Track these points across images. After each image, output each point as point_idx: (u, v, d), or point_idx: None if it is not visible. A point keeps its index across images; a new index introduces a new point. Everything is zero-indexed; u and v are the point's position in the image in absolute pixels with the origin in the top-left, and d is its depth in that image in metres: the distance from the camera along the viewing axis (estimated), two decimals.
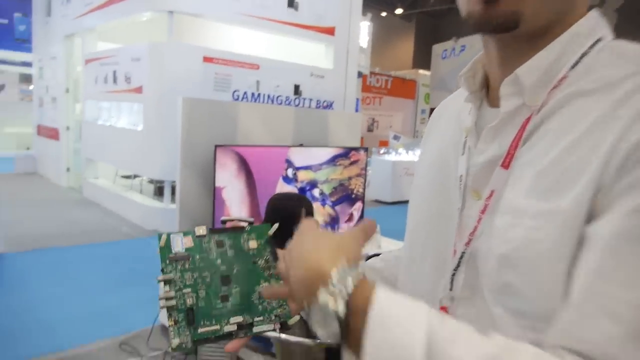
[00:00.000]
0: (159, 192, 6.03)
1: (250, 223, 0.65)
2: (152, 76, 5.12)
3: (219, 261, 0.62)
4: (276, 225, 0.65)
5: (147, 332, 2.72)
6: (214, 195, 2.58)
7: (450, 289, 0.54)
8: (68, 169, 7.66)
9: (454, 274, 0.54)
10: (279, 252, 0.61)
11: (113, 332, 2.77)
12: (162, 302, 0.57)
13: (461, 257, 0.53)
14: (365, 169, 3.37)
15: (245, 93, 5.44)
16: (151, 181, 6.36)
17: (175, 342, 0.54)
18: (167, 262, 0.60)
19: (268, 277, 0.62)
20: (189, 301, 0.58)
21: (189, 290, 0.58)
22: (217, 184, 2.59)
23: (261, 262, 0.63)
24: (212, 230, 0.64)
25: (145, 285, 3.31)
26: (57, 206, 6.32)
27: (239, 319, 0.57)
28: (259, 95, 5.53)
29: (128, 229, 5.23)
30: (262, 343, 1.67)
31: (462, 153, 0.58)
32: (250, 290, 0.60)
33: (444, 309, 0.55)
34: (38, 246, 4.43)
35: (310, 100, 6.04)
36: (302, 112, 3.34)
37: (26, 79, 11.03)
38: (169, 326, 0.56)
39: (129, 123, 5.78)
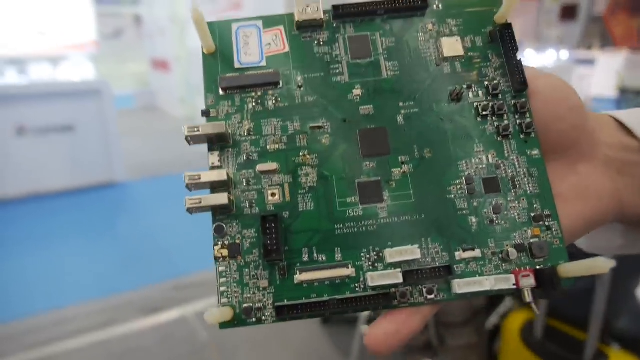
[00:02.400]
0: None
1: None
2: None
3: (355, 91, 0.23)
4: None
5: None
6: None
7: None
8: (182, 100, 7.80)
9: None
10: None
11: None
12: (206, 201, 0.22)
13: None
14: None
15: None
16: None
17: (221, 314, 0.21)
18: (221, 92, 0.23)
19: (497, 138, 0.23)
20: (272, 197, 0.22)
21: (273, 166, 0.22)
22: None
23: (476, 97, 0.23)
24: (342, 11, 0.24)
25: None
26: (172, 136, 6.46)
27: (410, 253, 0.21)
28: None
29: None
30: None
31: None
32: (448, 173, 0.22)
33: None
34: (155, 174, 4.49)
35: None
36: None
37: (140, 21, 11.36)
38: (217, 263, 0.23)
39: None
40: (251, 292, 0.22)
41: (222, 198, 0.22)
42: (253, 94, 0.23)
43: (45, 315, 2.16)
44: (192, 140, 0.23)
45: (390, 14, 0.24)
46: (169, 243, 2.92)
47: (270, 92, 0.23)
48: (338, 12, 0.24)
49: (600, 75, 9.19)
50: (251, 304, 0.22)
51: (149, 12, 8.92)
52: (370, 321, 1.63)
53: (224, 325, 0.22)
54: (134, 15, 11.66)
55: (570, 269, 0.20)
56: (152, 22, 8.67)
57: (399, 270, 0.21)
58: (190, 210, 0.23)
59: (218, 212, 0.23)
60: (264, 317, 0.22)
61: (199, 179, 0.22)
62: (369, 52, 0.24)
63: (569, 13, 11.82)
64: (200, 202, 0.22)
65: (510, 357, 1.27)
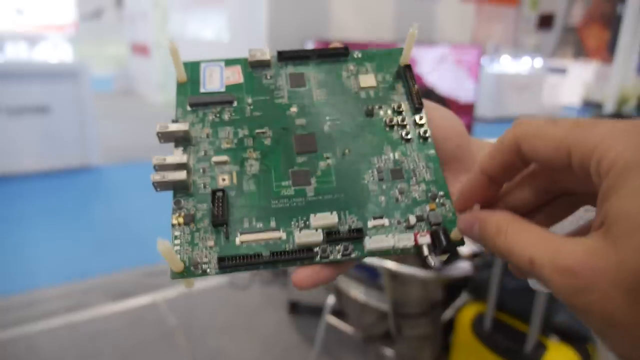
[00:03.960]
0: None
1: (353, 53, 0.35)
2: None
3: (292, 109, 0.31)
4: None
5: None
6: None
7: None
8: (161, 86, 7.72)
9: None
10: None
11: None
12: (168, 176, 0.28)
13: None
14: (477, 71, 2.82)
15: None
16: None
17: (178, 264, 0.26)
18: (188, 107, 0.31)
19: (401, 142, 0.31)
20: (222, 181, 0.29)
21: (224, 158, 0.29)
22: None
23: (386, 114, 0.32)
24: (284, 55, 0.33)
25: None
26: (150, 122, 6.38)
27: (330, 219, 0.27)
28: None
29: None
30: (368, 272, 1.36)
31: None
32: (362, 165, 0.30)
33: None
34: (131, 159, 4.47)
35: None
36: (404, 2, 2.81)
37: (121, 2, 11.16)
38: (173, 228, 0.28)
39: (215, 35, 5.54)
40: (199, 250, 0.27)
41: (181, 175, 0.28)
42: (213, 109, 0.31)
43: (15, 296, 2.16)
44: (162, 137, 0.29)
45: (321, 59, 0.33)
46: (142, 229, 2.94)
47: (227, 109, 0.30)
48: (281, 56, 0.33)
49: (570, 85, 9.49)
50: (198, 260, 0.26)
51: None
52: (334, 312, 1.71)
53: (174, 275, 0.26)
54: None
55: (458, 234, 0.26)
56: (133, 4, 8.53)
57: (321, 231, 0.27)
58: (155, 185, 0.28)
59: (178, 190, 0.28)
60: (208, 269, 0.26)
61: (165, 160, 0.29)
62: (304, 83, 0.32)
63: (545, 22, 12.11)
64: (164, 178, 0.28)
65: (462, 347, 1.36)
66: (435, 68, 2.63)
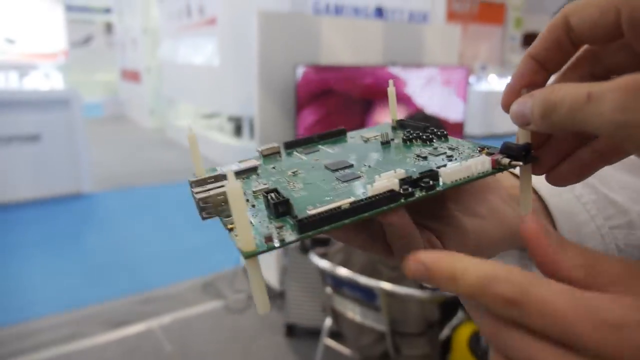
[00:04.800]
0: (237, 131, 5.89)
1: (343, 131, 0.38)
2: (225, 3, 4.84)
3: (314, 159, 0.33)
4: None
5: (230, 274, 2.55)
6: (296, 122, 2.26)
7: None
8: (152, 111, 7.75)
9: None
10: None
11: (196, 272, 2.65)
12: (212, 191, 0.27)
13: None
14: (465, 90, 2.88)
15: (327, 6, 4.96)
16: (230, 119, 6.23)
17: (249, 241, 0.22)
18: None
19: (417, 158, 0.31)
20: (278, 195, 0.26)
21: (264, 183, 0.30)
22: (299, 110, 2.25)
23: (398, 140, 0.34)
24: (289, 143, 0.36)
25: None
26: (141, 147, 6.41)
27: (398, 173, 0.26)
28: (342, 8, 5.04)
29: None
30: (364, 294, 1.37)
31: None
32: (401, 160, 0.31)
33: None
34: (124, 186, 4.46)
35: (402, 13, 5.43)
36: (391, 26, 2.87)
37: (111, 29, 11.25)
38: (232, 229, 0.25)
39: (205, 59, 5.61)
40: (269, 228, 0.24)
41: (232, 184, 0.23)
42: (244, 175, 0.32)
43: (9, 328, 2.14)
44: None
45: (322, 139, 0.37)
46: (135, 256, 2.92)
47: (253, 175, 0.32)
48: (287, 144, 0.36)
49: None
50: (270, 233, 0.23)
51: (119, 21, 8.85)
52: (332, 334, 1.71)
53: (248, 254, 0.22)
54: (105, 23, 11.53)
55: (523, 136, 0.26)
56: (123, 31, 8.61)
57: (395, 179, 0.25)
58: (201, 205, 0.28)
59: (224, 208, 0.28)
60: (286, 237, 0.23)
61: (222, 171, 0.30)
62: (317, 149, 0.35)
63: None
64: (209, 193, 0.27)
65: None
66: (424, 89, 2.68)
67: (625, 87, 0.17)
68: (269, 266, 2.40)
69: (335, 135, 0.37)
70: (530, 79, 0.25)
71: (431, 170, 0.26)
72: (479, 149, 0.31)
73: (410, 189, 0.25)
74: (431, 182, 0.25)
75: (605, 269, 0.20)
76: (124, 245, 3.10)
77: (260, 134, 2.31)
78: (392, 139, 0.35)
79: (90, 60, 11.27)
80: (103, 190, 4.27)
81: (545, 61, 0.24)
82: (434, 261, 0.19)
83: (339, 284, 1.46)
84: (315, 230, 0.23)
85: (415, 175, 0.26)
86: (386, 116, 2.59)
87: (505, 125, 7.74)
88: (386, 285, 1.29)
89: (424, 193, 0.25)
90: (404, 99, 2.63)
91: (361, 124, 2.52)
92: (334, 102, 2.38)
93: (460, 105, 2.89)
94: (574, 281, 0.19)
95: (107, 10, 10.58)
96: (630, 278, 0.19)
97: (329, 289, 1.52)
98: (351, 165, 0.30)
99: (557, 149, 0.27)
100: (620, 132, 0.18)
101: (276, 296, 2.32)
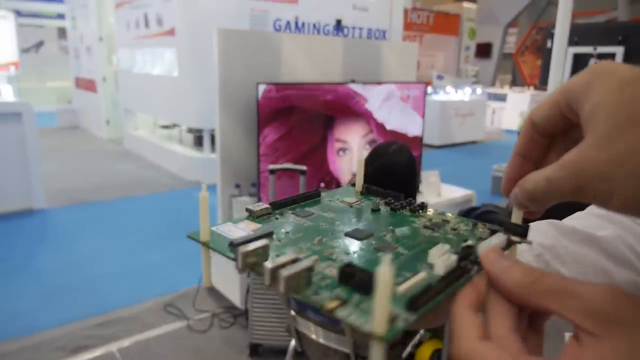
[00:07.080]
0: (198, 142, 5.81)
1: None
2: (184, 16, 4.77)
3: (322, 225, 0.36)
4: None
5: (192, 292, 2.52)
6: (258, 139, 2.26)
7: None
8: (108, 121, 7.55)
9: None
10: None
11: (157, 291, 2.59)
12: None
13: None
14: (424, 106, 2.96)
15: (287, 23, 4.96)
16: (190, 130, 6.14)
17: (383, 325, 0.23)
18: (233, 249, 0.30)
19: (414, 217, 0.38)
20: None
21: (307, 250, 0.32)
22: (261, 127, 2.26)
23: (385, 209, 0.39)
24: (275, 204, 0.39)
25: (187, 239, 3.12)
26: (98, 159, 6.23)
27: (446, 247, 0.30)
28: (302, 25, 5.05)
29: (168, 180, 5.06)
30: (328, 317, 1.38)
31: None
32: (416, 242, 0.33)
33: None
34: (79, 200, 4.32)
35: (360, 29, 5.49)
36: (351, 43, 2.92)
37: (64, 34, 10.91)
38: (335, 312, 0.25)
39: (164, 70, 5.51)
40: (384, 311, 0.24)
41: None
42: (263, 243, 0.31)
43: None
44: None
45: (303, 200, 0.40)
46: (92, 275, 2.83)
47: (270, 241, 0.33)
48: (274, 204, 0.38)
49: (510, 110, 10.06)
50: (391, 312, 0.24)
51: (72, 27, 8.55)
52: (297, 354, 1.71)
53: (385, 337, 0.22)
54: (57, 28, 11.15)
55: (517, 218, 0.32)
56: (77, 38, 8.33)
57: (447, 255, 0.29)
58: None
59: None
60: (408, 318, 0.24)
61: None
62: (311, 212, 0.38)
63: (484, 51, 12.83)
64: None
65: None
66: (383, 105, 2.74)
67: (563, 165, 0.26)
68: (233, 285, 2.38)
69: (313, 197, 0.41)
70: (518, 172, 0.31)
71: (470, 247, 0.31)
72: (472, 223, 0.36)
73: (467, 266, 0.29)
74: (477, 258, 0.30)
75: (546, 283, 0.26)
76: (79, 264, 2.99)
77: (221, 151, 2.30)
78: (380, 209, 0.39)
79: (43, 67, 10.86)
80: (57, 206, 4.12)
81: (526, 155, 0.31)
82: None
83: (303, 307, 1.47)
84: (428, 306, 0.25)
85: (461, 253, 0.30)
86: (347, 132, 2.63)
87: (463, 135, 7.97)
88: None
89: (477, 268, 0.29)
90: (365, 115, 2.67)
91: (323, 139, 2.55)
92: (296, 119, 2.40)
93: (418, 120, 2.96)
94: (514, 294, 0.26)
95: (60, 16, 10.24)
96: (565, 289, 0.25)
97: (292, 312, 1.53)
98: (372, 234, 0.33)
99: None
100: (578, 192, 0.26)
101: (240, 315, 2.31)
